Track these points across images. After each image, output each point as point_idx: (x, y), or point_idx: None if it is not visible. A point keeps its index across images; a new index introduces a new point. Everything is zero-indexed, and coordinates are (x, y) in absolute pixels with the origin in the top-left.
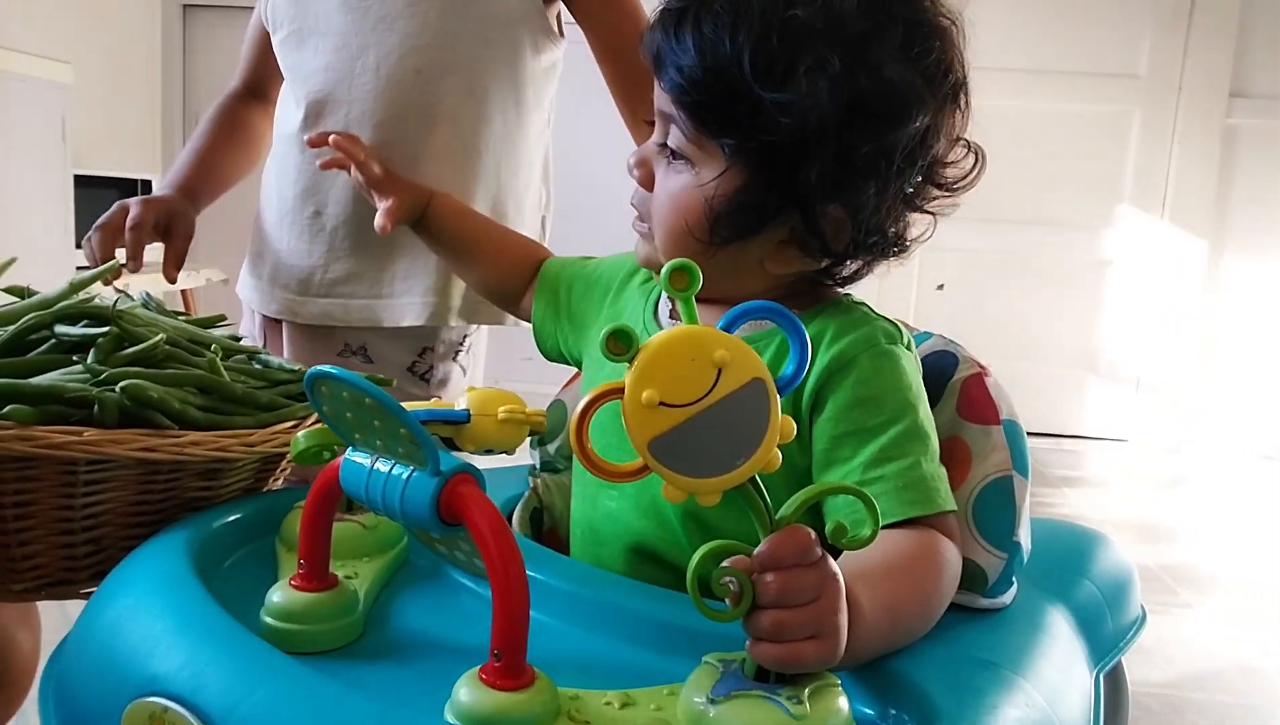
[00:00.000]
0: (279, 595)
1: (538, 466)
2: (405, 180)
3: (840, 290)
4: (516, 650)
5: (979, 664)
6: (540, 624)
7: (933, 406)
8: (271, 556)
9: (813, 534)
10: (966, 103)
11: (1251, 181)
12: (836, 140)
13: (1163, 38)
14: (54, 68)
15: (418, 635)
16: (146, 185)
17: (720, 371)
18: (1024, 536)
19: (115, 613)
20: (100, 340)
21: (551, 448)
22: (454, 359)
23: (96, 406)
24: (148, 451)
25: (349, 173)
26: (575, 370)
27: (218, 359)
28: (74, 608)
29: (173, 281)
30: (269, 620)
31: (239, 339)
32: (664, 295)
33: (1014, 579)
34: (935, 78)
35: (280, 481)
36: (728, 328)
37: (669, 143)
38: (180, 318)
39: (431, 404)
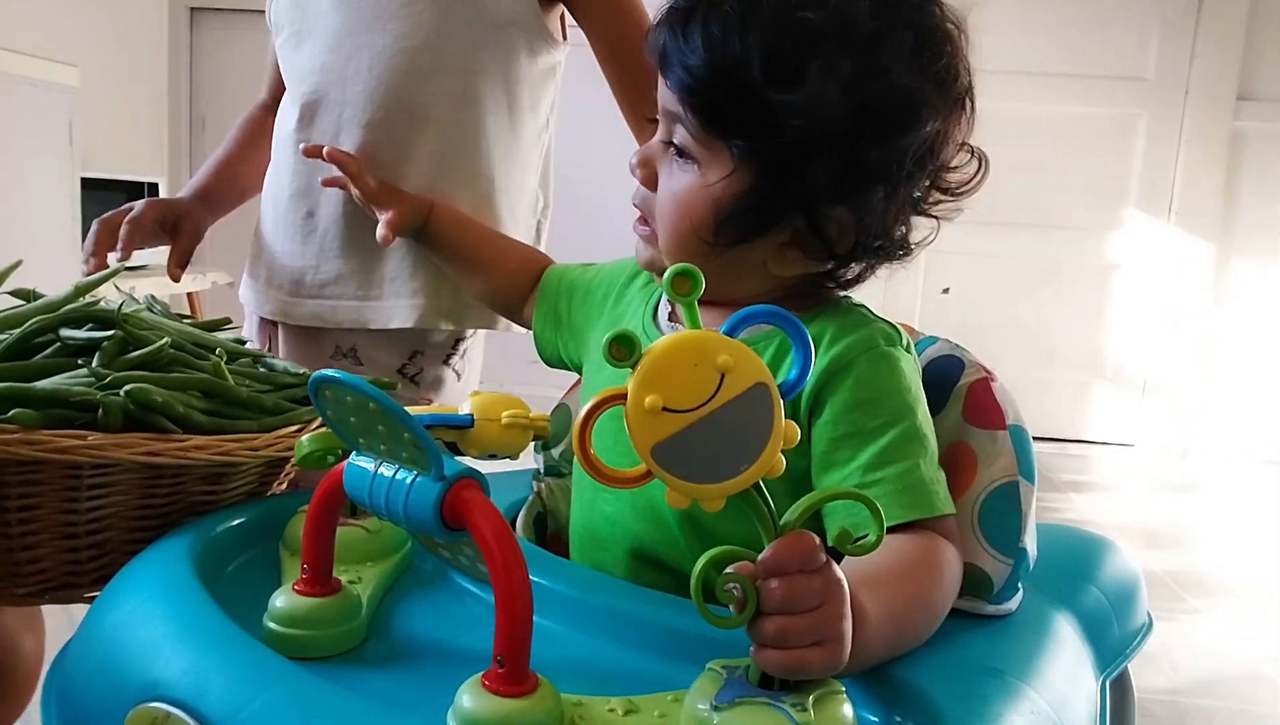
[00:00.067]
0: (282, 600)
1: (542, 471)
2: (404, 192)
3: (840, 292)
4: (519, 656)
5: (985, 671)
6: (544, 629)
7: (938, 411)
8: (275, 561)
9: (817, 539)
10: (972, 108)
11: (1259, 185)
12: (846, 144)
13: (1170, 40)
14: (61, 71)
15: (421, 640)
16: (153, 188)
17: (723, 376)
18: (1030, 542)
19: (118, 617)
20: (105, 344)
21: (556, 452)
22: (445, 362)
23: (101, 410)
24: (152, 455)
25: (348, 189)
26: (579, 375)
27: (222, 363)
28: (78, 612)
29: (177, 280)
30: (272, 625)
31: (244, 342)
32: (664, 299)
33: (1020, 585)
34: (945, 83)
35: (284, 485)
36: (730, 332)
37: (675, 141)
38: (185, 321)
39: (434, 409)
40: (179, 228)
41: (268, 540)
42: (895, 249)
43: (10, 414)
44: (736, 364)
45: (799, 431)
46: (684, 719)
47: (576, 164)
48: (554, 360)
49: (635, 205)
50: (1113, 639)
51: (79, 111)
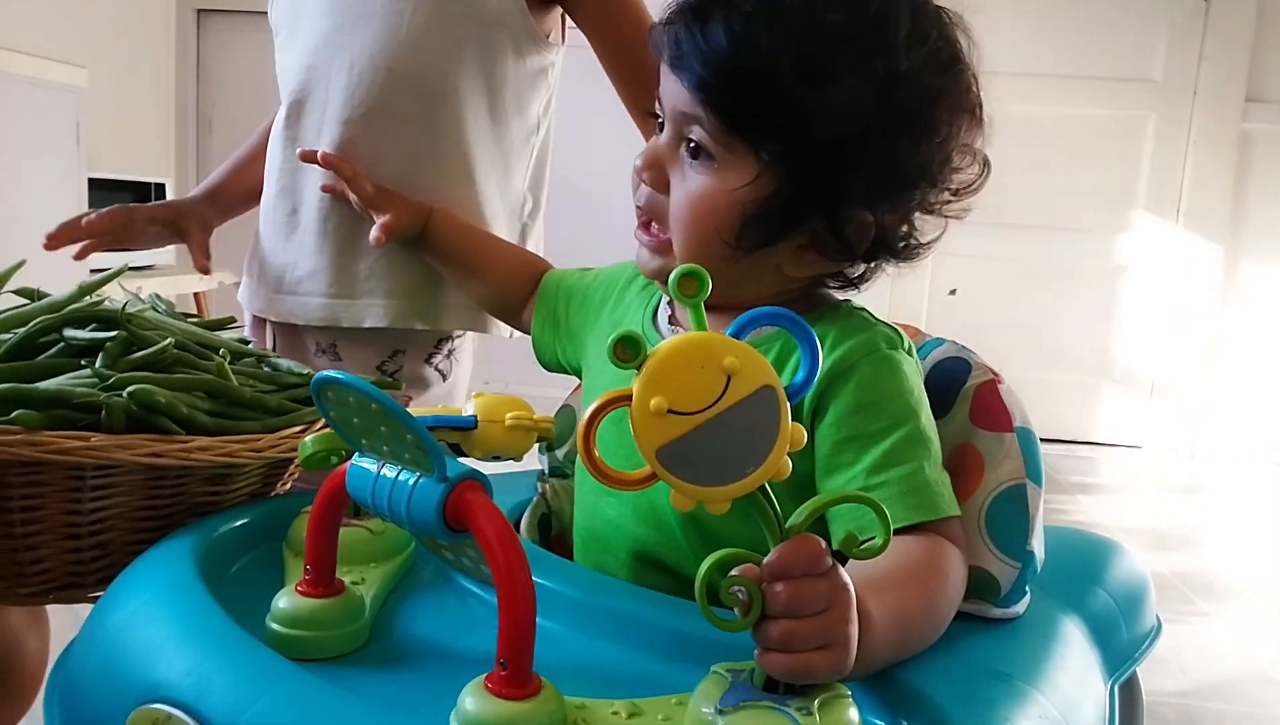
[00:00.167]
0: (285, 601)
1: (546, 472)
2: (403, 196)
3: (838, 295)
4: (522, 658)
5: (992, 675)
6: (547, 631)
7: (945, 413)
8: (279, 562)
9: (823, 543)
10: (981, 109)
11: (1267, 186)
12: (878, 146)
13: (1178, 42)
14: (69, 71)
15: (424, 642)
16: (160, 188)
17: (729, 378)
18: (1037, 545)
19: (120, 618)
20: (108, 344)
21: (560, 453)
22: (427, 362)
23: (104, 411)
24: (155, 457)
25: (349, 197)
26: (579, 379)
27: (225, 363)
28: (84, 611)
29: (207, 271)
30: (274, 626)
31: (248, 342)
32: (663, 301)
33: (1027, 588)
34: (966, 87)
35: (288, 486)
36: (736, 334)
37: (693, 139)
38: (190, 320)
39: (438, 410)
40: (184, 227)
41: (271, 541)
42: (910, 249)
43: (13, 415)
44: (743, 366)
45: (805, 433)
46: (688, 722)
47: (577, 165)
48: (553, 364)
49: (640, 208)
50: (1121, 642)
51: (86, 112)
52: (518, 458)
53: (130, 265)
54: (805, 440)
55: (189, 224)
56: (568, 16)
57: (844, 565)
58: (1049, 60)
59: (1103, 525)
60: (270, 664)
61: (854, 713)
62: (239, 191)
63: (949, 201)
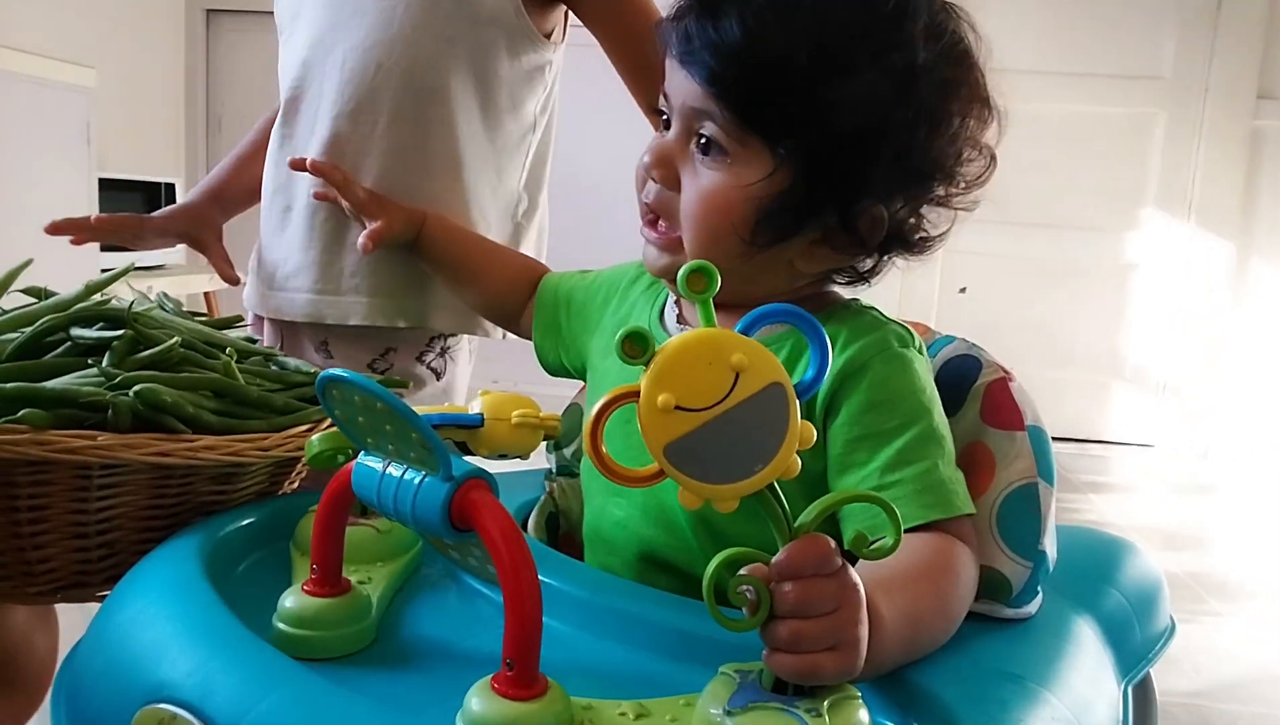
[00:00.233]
0: (291, 600)
1: (554, 470)
2: (395, 202)
3: (847, 292)
4: (529, 659)
5: (1003, 676)
6: (554, 631)
7: (956, 412)
8: (286, 561)
9: (833, 543)
10: (991, 102)
11: (1279, 184)
12: (897, 140)
13: (1188, 38)
14: (78, 72)
15: (431, 642)
16: (170, 189)
17: (738, 375)
18: (1049, 545)
19: (126, 618)
20: (115, 343)
21: (568, 452)
22: (419, 360)
23: (110, 410)
24: (161, 456)
25: (341, 203)
26: (582, 381)
27: (232, 362)
28: (93, 610)
29: (236, 281)
30: (280, 626)
31: (255, 341)
32: (670, 300)
33: (1039, 588)
34: (978, 80)
35: (296, 484)
36: (746, 331)
37: (705, 134)
38: (197, 319)
39: (444, 408)
40: (200, 238)
41: (278, 540)
42: (921, 242)
43: (20, 414)
44: (752, 363)
45: (815, 432)
46: (696, 723)
47: (583, 164)
48: (556, 367)
49: (648, 206)
50: (1135, 643)
51: (96, 112)
52: (524, 456)
53: (141, 265)
54: (815, 438)
55: (205, 235)
56: (572, 14)
57: (854, 565)
58: (1058, 58)
59: (1114, 524)
60: (275, 664)
61: (864, 714)
62: (241, 190)
63: (958, 195)
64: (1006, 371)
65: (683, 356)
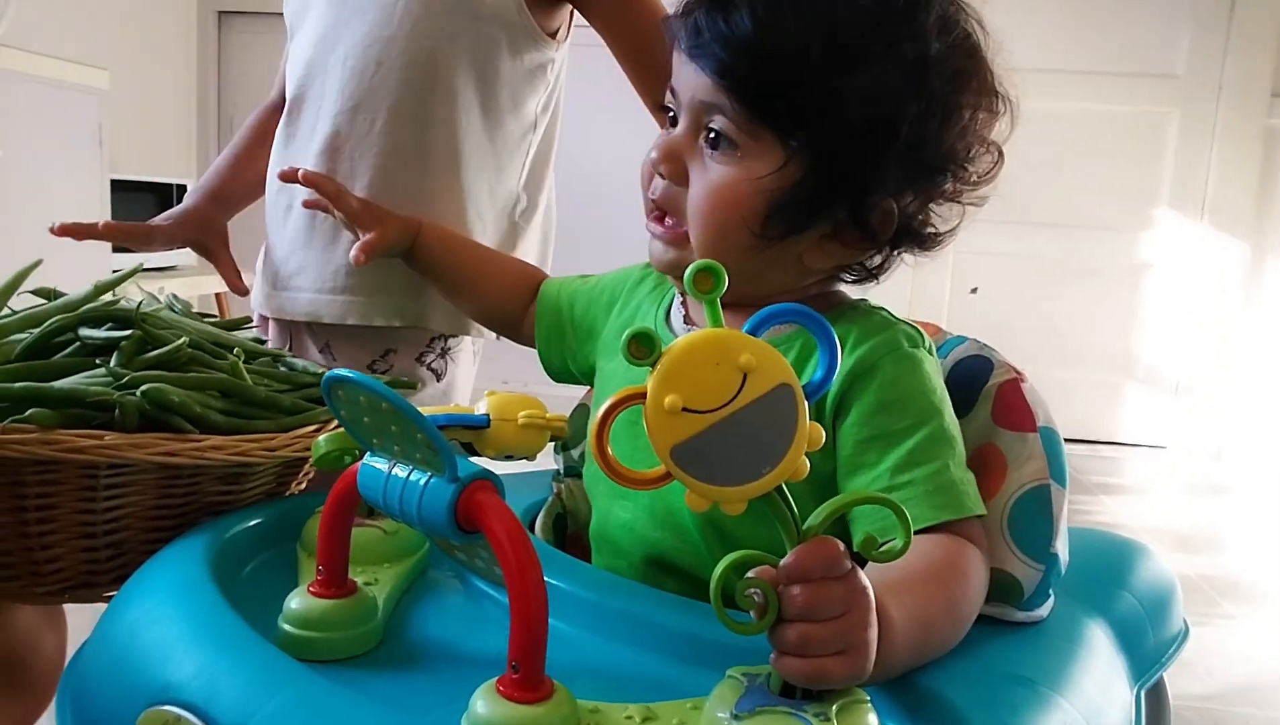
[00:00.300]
0: (297, 602)
1: (561, 471)
2: (389, 212)
3: (856, 290)
4: (534, 661)
5: (1014, 680)
6: (560, 633)
7: (967, 412)
8: (293, 562)
9: (841, 546)
10: (1000, 96)
11: None
12: (909, 131)
13: (1202, 36)
14: (91, 74)
15: (437, 644)
16: (181, 190)
17: (746, 376)
18: (1061, 547)
19: (132, 619)
20: (123, 343)
21: (575, 453)
22: (419, 361)
23: (118, 410)
24: (168, 456)
25: (335, 214)
26: (589, 386)
27: (240, 362)
28: (102, 611)
29: (244, 292)
30: (286, 627)
31: (263, 341)
32: (676, 302)
33: (1051, 591)
34: (989, 72)
35: (304, 485)
36: (753, 331)
37: (715, 128)
38: (206, 320)
39: (450, 409)
40: (208, 245)
41: (285, 541)
42: (931, 237)
43: (27, 413)
44: (760, 364)
45: (824, 433)
46: None
47: (589, 163)
48: (561, 372)
49: (654, 202)
50: (1148, 647)
51: (108, 114)
52: (531, 457)
53: (153, 266)
54: (824, 440)
55: (213, 243)
56: (577, 14)
57: (863, 567)
58: (1071, 56)
59: (1127, 526)
60: (280, 666)
61: (873, 718)
62: (241, 190)
63: (967, 190)
64: (1018, 372)
65: (690, 357)
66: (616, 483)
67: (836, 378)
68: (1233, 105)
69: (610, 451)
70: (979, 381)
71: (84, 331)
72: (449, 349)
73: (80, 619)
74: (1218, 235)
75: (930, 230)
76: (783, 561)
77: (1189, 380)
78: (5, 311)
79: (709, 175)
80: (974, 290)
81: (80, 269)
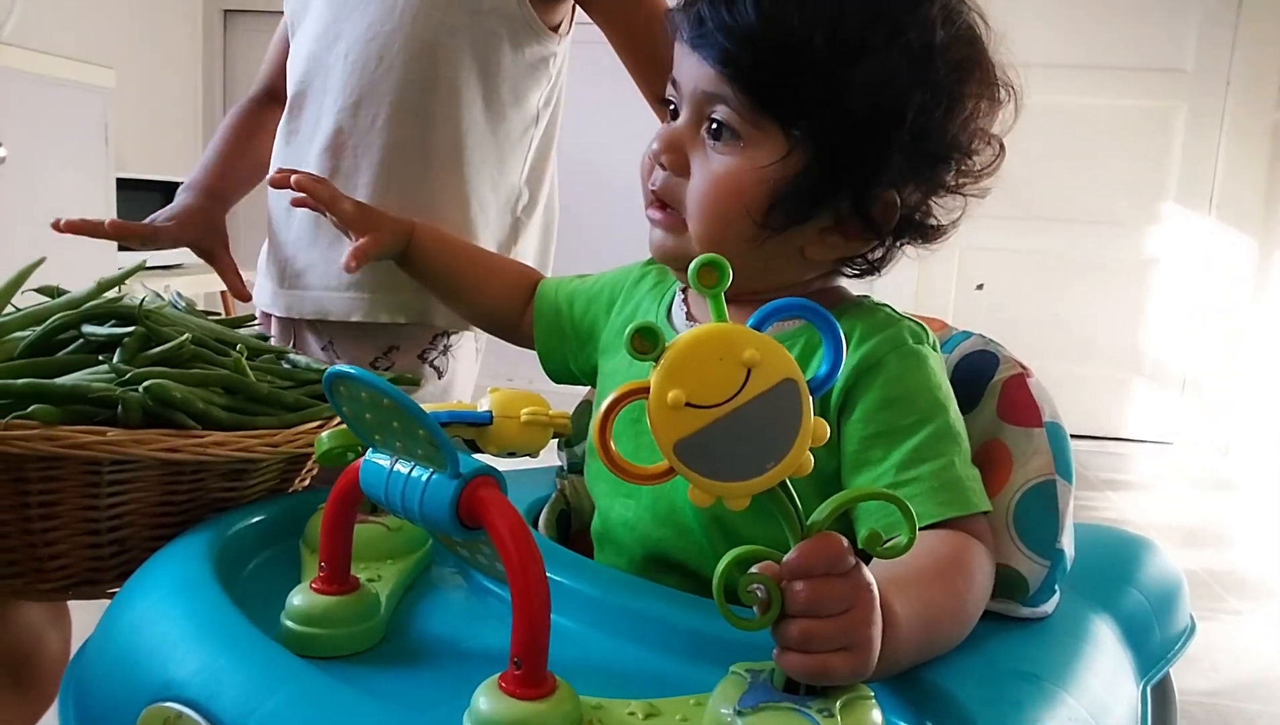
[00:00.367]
0: (299, 598)
1: (565, 468)
2: (383, 215)
3: (857, 285)
4: (537, 657)
5: (1019, 676)
6: (563, 629)
7: (972, 408)
8: (296, 559)
9: (845, 542)
10: (1002, 86)
11: None
12: (913, 120)
13: (1210, 30)
14: (97, 72)
15: (440, 640)
16: None
17: (750, 371)
18: (1067, 543)
19: (134, 615)
20: (126, 340)
21: (579, 449)
22: (421, 358)
23: (120, 406)
24: (171, 452)
25: (328, 217)
26: (591, 386)
27: (242, 358)
28: (106, 607)
29: (246, 297)
30: (288, 624)
31: (267, 338)
32: (678, 299)
33: (1056, 587)
34: (991, 63)
35: (307, 482)
36: (758, 326)
37: (717, 119)
38: (210, 317)
39: (453, 406)
40: (209, 248)
41: (288, 538)
42: (934, 229)
43: (30, 410)
44: (764, 359)
45: (828, 429)
46: (706, 723)
47: (590, 160)
48: (562, 372)
49: (654, 193)
50: (1154, 643)
51: (114, 112)
52: (534, 454)
53: (159, 264)
54: (828, 435)
55: (215, 246)
56: (579, 8)
57: (868, 564)
58: (1079, 51)
59: (1133, 522)
60: (282, 662)
61: (877, 714)
62: (234, 185)
63: (969, 182)
64: (1024, 367)
65: (693, 352)
66: (620, 478)
67: (841, 374)
68: (1240, 100)
69: (614, 447)
70: (984, 377)
71: (87, 328)
72: (451, 346)
73: (85, 616)
74: (1225, 230)
75: (932, 222)
76: (786, 557)
77: (1196, 375)
78: (9, 309)
79: (711, 165)
80: (980, 286)
81: (84, 267)
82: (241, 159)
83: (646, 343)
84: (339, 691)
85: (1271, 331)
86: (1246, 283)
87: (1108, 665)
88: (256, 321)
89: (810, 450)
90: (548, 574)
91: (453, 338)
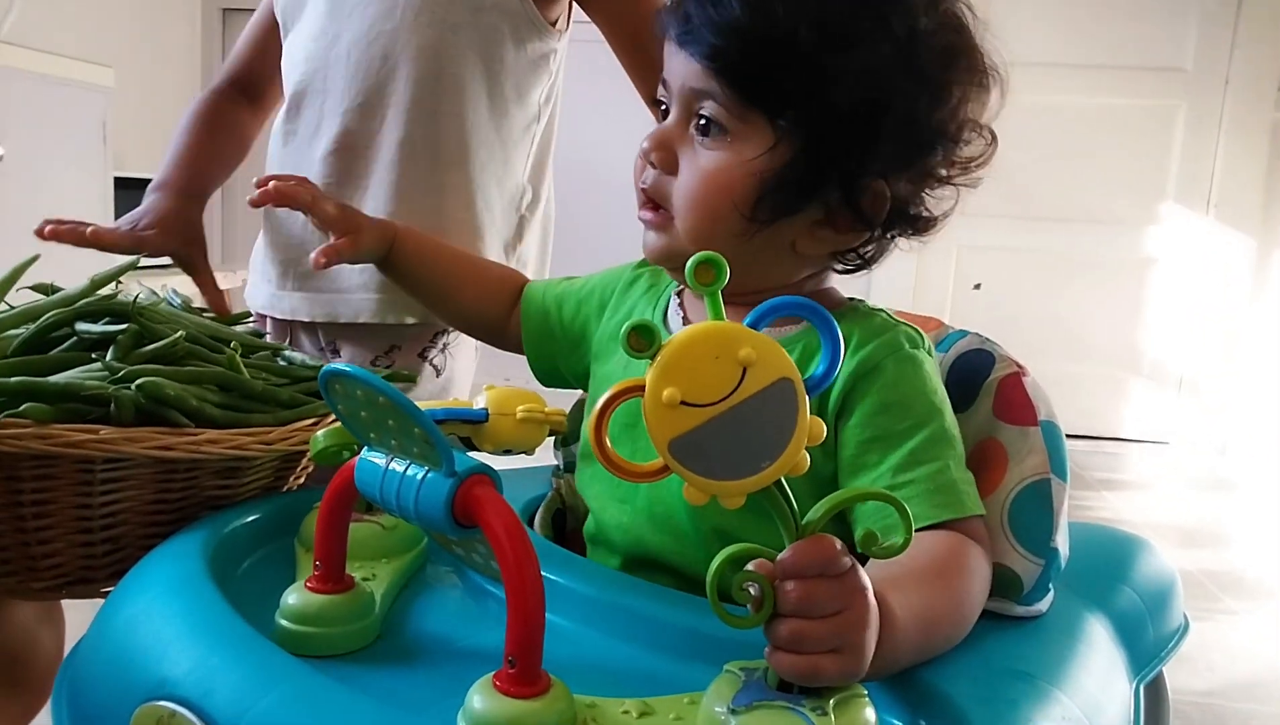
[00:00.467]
0: (294, 597)
1: (561, 467)
2: (365, 218)
3: (850, 279)
4: (531, 656)
5: (1013, 675)
6: (557, 628)
7: (968, 406)
8: (291, 557)
9: (839, 543)
10: (990, 74)
11: None
12: (898, 107)
13: (1209, 30)
14: (95, 71)
15: (435, 639)
16: None
17: (745, 370)
18: (1062, 542)
19: (128, 615)
20: (120, 337)
21: (575, 448)
22: (421, 356)
23: (113, 404)
24: (164, 450)
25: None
26: (582, 390)
27: (236, 355)
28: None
29: (226, 312)
30: (283, 622)
31: (261, 335)
32: (674, 303)
33: (1051, 586)
34: (978, 49)
35: (302, 480)
36: (754, 325)
37: (705, 114)
38: (204, 315)
39: (449, 404)
40: (191, 258)
41: (283, 536)
42: (925, 221)
43: (23, 408)
44: (760, 357)
45: (824, 428)
46: (700, 722)
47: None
48: (551, 377)
49: (644, 191)
50: (1147, 641)
51: (113, 111)
52: (529, 452)
53: (155, 263)
54: (824, 434)
55: (196, 255)
56: (576, 6)
57: (864, 565)
58: (1078, 50)
59: (1129, 522)
60: (276, 661)
61: (871, 713)
62: (210, 181)
63: (960, 174)
64: (1020, 366)
65: (689, 350)
66: (615, 475)
67: (839, 378)
68: (1239, 99)
69: (609, 445)
70: (980, 375)
71: (80, 326)
72: (450, 344)
73: (78, 615)
74: (1223, 230)
75: (924, 213)
76: (779, 556)
77: (1194, 375)
78: (2, 307)
79: (699, 161)
80: (978, 286)
81: (79, 264)
82: (217, 153)
83: (643, 340)
84: (334, 690)
85: (1269, 331)
86: (1244, 282)
87: (1101, 664)
88: (252, 319)
89: (808, 451)
90: (543, 573)
91: (452, 336)
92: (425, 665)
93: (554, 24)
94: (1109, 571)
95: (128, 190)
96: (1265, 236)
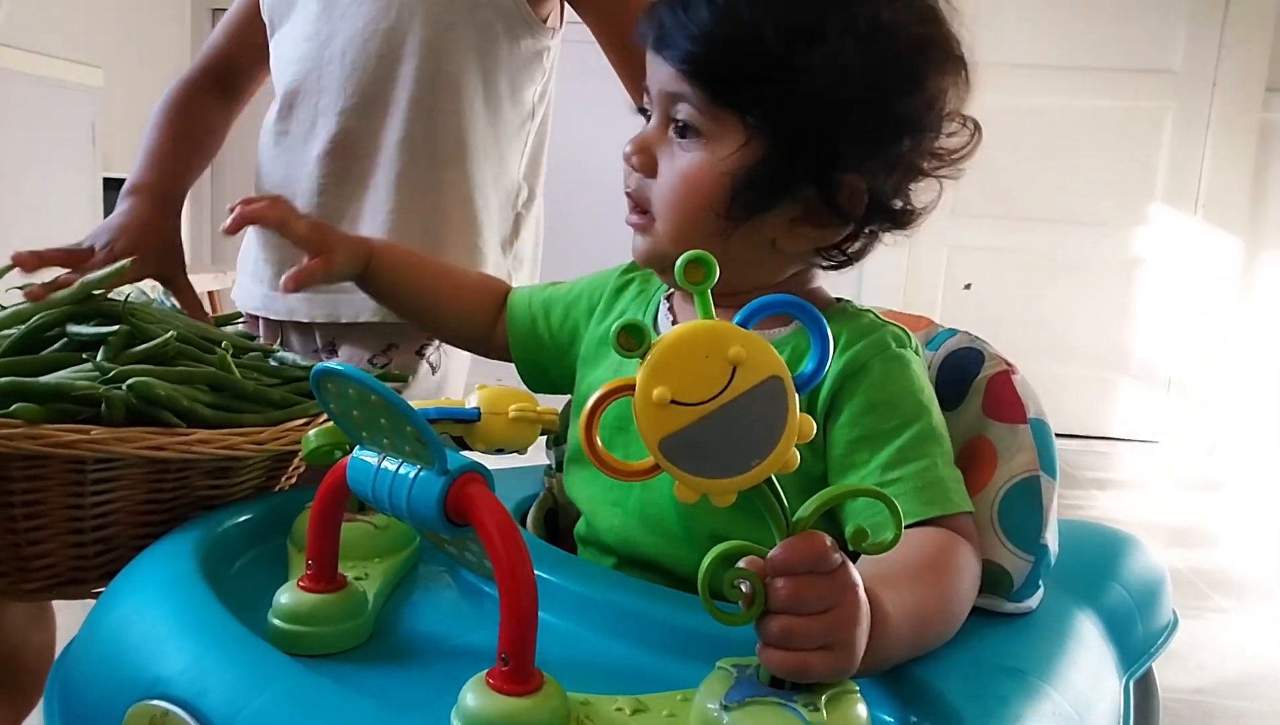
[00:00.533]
0: (286, 597)
1: (553, 466)
2: (340, 235)
3: (834, 276)
4: (524, 654)
5: (1004, 671)
6: (550, 626)
7: (958, 404)
8: (283, 557)
9: (829, 540)
10: (968, 71)
11: None
12: (868, 103)
13: (1198, 31)
14: (85, 72)
15: (428, 638)
16: None
17: (735, 368)
18: (1051, 538)
19: (120, 614)
20: (110, 338)
21: (567, 447)
22: (419, 353)
23: (104, 405)
24: (155, 450)
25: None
26: (570, 395)
27: (228, 355)
28: (91, 607)
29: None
30: (275, 622)
31: (253, 336)
32: (664, 307)
33: (1040, 582)
34: (950, 39)
35: (294, 480)
36: (744, 323)
37: (680, 118)
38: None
39: (441, 402)
40: (171, 276)
41: (276, 536)
42: (903, 214)
43: (13, 408)
44: (750, 356)
45: (814, 426)
46: (693, 718)
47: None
48: (540, 382)
49: (629, 194)
50: (1137, 638)
51: (101, 112)
52: (521, 451)
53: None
54: (814, 432)
55: (174, 271)
56: (568, 6)
57: (855, 562)
58: (1066, 51)
59: (1119, 521)
60: (269, 660)
61: (862, 709)
62: (184, 181)
63: (940, 166)
64: (1009, 364)
65: (679, 349)
66: (606, 474)
67: (827, 378)
68: (1227, 100)
69: (600, 444)
70: (970, 373)
71: (71, 327)
72: (444, 343)
73: (69, 616)
74: (1211, 230)
75: (904, 206)
76: (770, 553)
77: (1182, 375)
78: None
79: (675, 162)
80: (967, 286)
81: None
82: (188, 150)
83: (632, 340)
84: (327, 689)
85: (1256, 331)
86: (1232, 283)
87: (1091, 660)
88: (242, 320)
89: (797, 449)
90: (535, 571)
91: None
92: (418, 664)
93: (546, 21)
94: (1098, 568)
95: (116, 190)
96: (1253, 237)
